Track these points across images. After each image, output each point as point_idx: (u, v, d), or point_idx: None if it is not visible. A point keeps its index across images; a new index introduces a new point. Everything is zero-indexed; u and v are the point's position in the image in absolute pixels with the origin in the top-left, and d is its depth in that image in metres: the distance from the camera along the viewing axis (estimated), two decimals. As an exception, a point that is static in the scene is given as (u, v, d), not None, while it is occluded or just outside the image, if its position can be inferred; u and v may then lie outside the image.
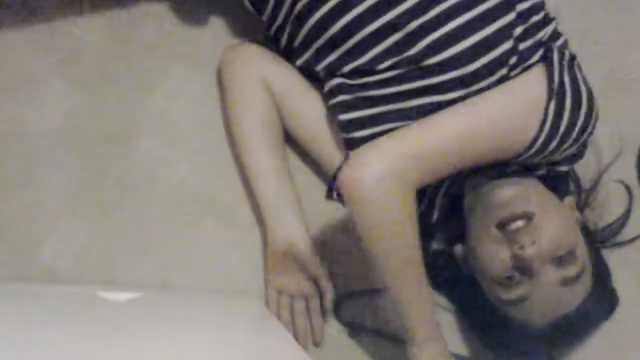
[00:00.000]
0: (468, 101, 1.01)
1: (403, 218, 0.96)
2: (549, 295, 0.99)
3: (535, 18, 1.04)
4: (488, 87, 1.01)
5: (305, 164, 1.20)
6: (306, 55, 1.11)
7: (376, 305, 1.16)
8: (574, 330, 1.04)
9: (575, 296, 1.00)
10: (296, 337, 1.14)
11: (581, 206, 1.14)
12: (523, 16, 1.02)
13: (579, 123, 1.00)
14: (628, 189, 1.17)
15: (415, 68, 1.02)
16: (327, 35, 1.05)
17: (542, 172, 1.07)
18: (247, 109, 1.15)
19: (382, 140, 1.00)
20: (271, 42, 1.17)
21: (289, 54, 1.15)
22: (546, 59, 1.01)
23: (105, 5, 1.22)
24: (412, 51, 1.01)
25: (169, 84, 1.22)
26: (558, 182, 1.09)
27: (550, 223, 0.99)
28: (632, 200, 1.16)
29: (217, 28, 1.23)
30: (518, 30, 1.01)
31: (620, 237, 1.16)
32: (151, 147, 1.21)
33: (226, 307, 1.11)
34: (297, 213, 1.14)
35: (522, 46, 1.02)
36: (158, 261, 1.17)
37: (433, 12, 1.00)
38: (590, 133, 1.04)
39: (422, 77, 1.02)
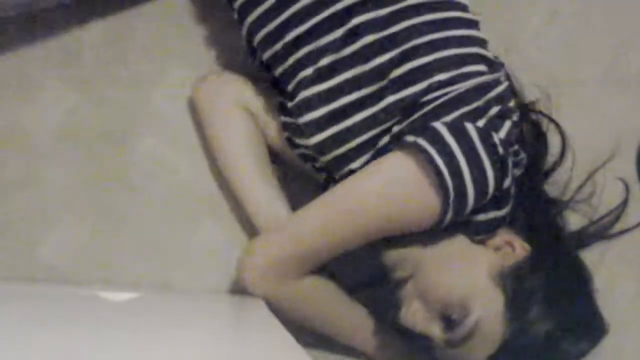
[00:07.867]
0: (345, 187, 0.99)
1: (295, 301, 1.04)
2: (445, 355, 0.96)
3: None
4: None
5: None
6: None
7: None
8: None
9: (476, 352, 0.94)
10: None
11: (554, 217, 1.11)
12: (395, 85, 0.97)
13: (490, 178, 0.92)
14: (625, 184, 1.17)
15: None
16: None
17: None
18: (231, 130, 1.15)
19: (269, 237, 1.05)
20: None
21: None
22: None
23: (104, 6, 1.22)
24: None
25: (168, 84, 1.22)
26: (481, 226, 1.00)
27: (432, 284, 0.95)
28: (629, 193, 1.17)
29: (216, 28, 1.23)
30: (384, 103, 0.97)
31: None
32: (151, 147, 1.21)
33: (226, 307, 1.11)
34: None
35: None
36: (158, 261, 1.17)
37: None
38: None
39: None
